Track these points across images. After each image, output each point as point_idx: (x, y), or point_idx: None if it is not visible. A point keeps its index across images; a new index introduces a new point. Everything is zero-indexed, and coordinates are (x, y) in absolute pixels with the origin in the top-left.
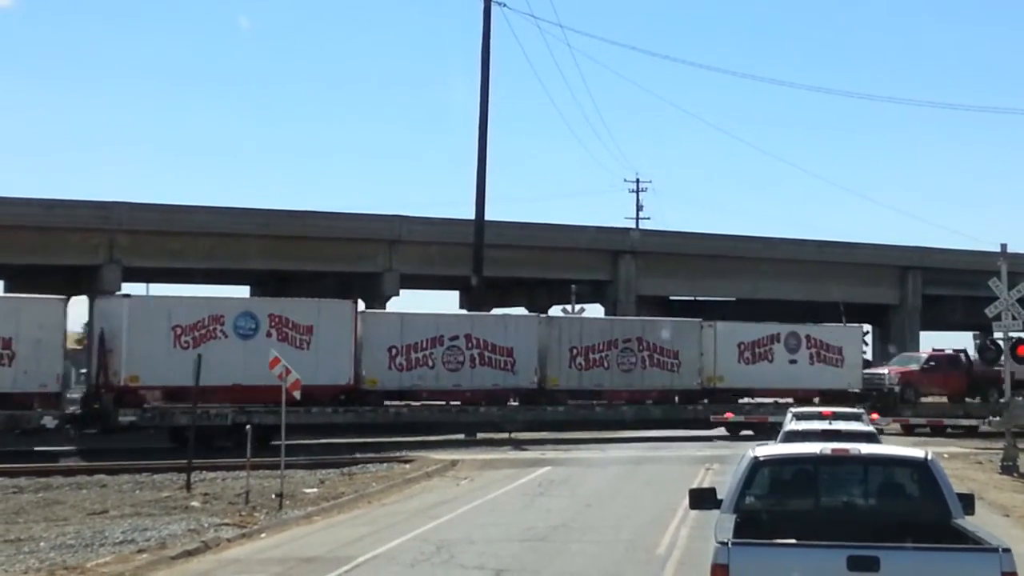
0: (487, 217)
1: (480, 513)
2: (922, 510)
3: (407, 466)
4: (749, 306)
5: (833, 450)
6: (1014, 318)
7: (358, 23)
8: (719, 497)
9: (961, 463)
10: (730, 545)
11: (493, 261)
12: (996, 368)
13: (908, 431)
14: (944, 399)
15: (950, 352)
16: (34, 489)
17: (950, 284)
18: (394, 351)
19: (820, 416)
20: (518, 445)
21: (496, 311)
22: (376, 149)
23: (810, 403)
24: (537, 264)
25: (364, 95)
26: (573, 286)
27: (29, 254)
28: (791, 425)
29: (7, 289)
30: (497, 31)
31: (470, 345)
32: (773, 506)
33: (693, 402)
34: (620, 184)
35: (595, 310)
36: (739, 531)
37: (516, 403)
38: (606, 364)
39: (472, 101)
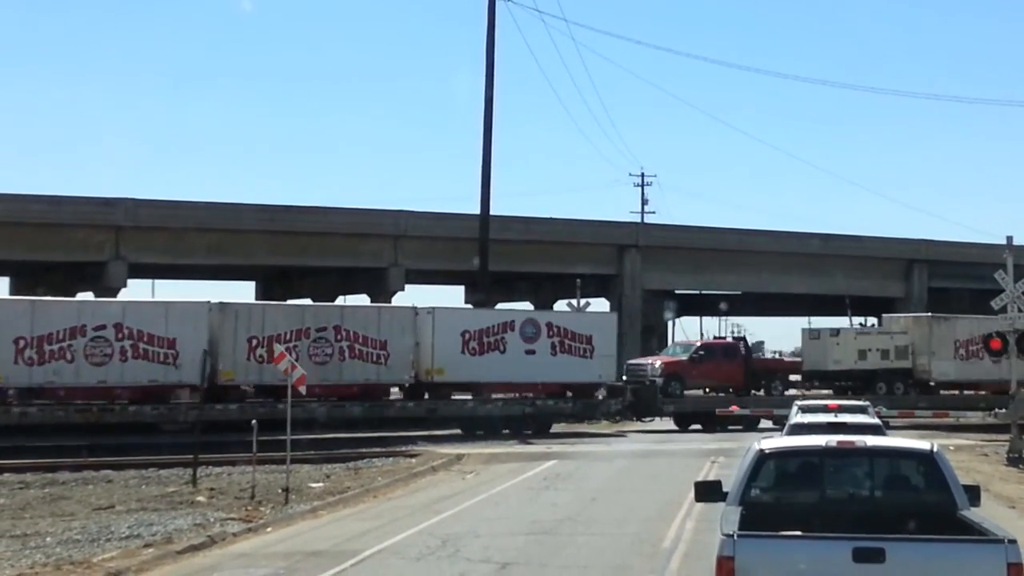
0: (492, 211)
1: (486, 507)
2: (928, 502)
3: (413, 460)
4: (755, 299)
5: (839, 442)
6: (1020, 310)
7: (362, 18)
8: (724, 490)
9: (967, 455)
10: (736, 537)
11: (498, 255)
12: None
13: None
14: (719, 392)
15: (725, 340)
16: (40, 484)
17: (956, 277)
18: (22, 343)
19: (826, 409)
20: (524, 439)
21: (158, 299)
22: (381, 143)
23: (563, 397)
24: (542, 258)
25: (369, 89)
26: (578, 280)
27: (35, 250)
28: (796, 418)
29: (11, 286)
30: (502, 25)
31: (120, 336)
32: (779, 498)
33: (416, 397)
34: (625, 178)
35: (601, 304)
36: (745, 523)
37: (180, 401)
38: (296, 355)
39: (477, 95)
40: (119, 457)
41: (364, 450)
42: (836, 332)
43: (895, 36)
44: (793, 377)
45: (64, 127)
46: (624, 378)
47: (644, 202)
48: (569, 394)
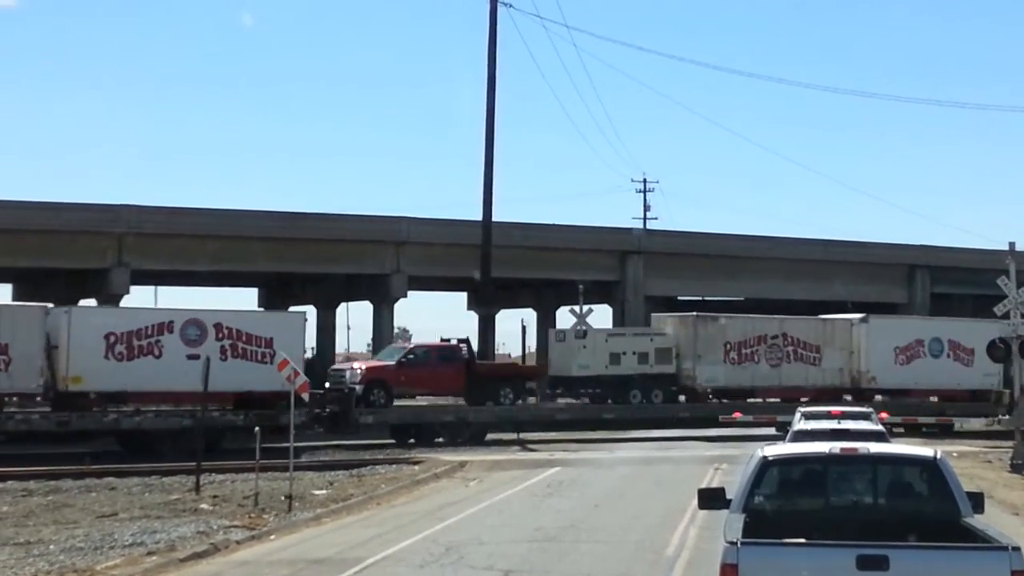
0: (494, 218)
1: (489, 514)
2: (931, 509)
3: (416, 467)
4: (757, 305)
5: (842, 449)
6: (1023, 316)
7: (364, 24)
8: (728, 497)
9: (970, 462)
10: (739, 545)
11: (500, 262)
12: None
13: (916, 430)
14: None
15: (443, 343)
16: (43, 492)
17: (958, 282)
18: None
19: (829, 415)
20: (526, 446)
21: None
22: (383, 151)
23: (240, 408)
24: (545, 265)
25: (370, 96)
26: (580, 286)
27: (37, 257)
28: (800, 425)
29: (14, 293)
30: (503, 32)
31: None
32: (782, 506)
33: (63, 409)
34: (627, 184)
35: (603, 311)
36: (748, 531)
37: (13, 409)
38: None
39: (479, 102)
40: (122, 464)
41: (367, 457)
42: (583, 333)
43: (897, 42)
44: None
45: (67, 135)
46: (327, 385)
47: (646, 208)
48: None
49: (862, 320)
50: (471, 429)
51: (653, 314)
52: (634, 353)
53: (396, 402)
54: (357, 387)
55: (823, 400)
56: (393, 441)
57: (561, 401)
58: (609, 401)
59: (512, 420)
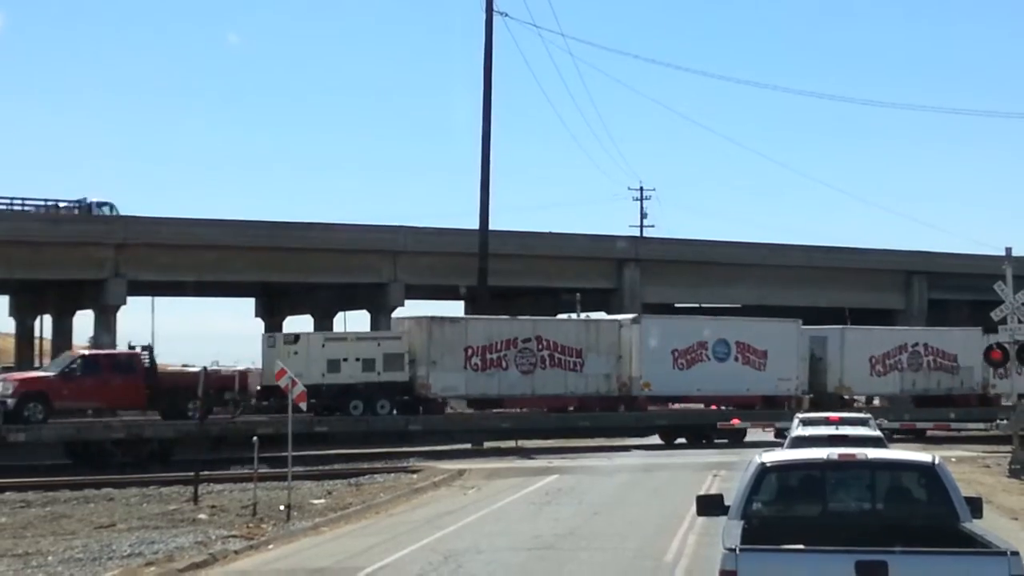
0: (491, 227)
1: (487, 522)
2: (930, 514)
3: (414, 476)
4: (755, 313)
5: (840, 455)
6: (1020, 321)
7: (360, 34)
8: (727, 503)
9: (969, 467)
10: (738, 551)
11: (497, 271)
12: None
13: (919, 436)
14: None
15: (117, 351)
16: (42, 503)
17: (955, 288)
18: None
19: (827, 421)
20: (525, 454)
21: None
22: (379, 160)
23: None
24: (541, 273)
25: (367, 106)
26: (577, 294)
27: (34, 268)
28: (798, 431)
29: (11, 304)
30: (499, 41)
31: None
32: (781, 512)
33: None
34: (624, 192)
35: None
36: (747, 537)
37: None
38: None
39: (475, 111)
40: (120, 475)
41: (366, 466)
42: (294, 338)
43: (893, 49)
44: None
45: (62, 146)
46: None
47: (643, 216)
48: None
49: (633, 321)
50: (151, 446)
51: (393, 316)
52: (357, 359)
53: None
54: (9, 401)
55: (586, 410)
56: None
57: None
58: (325, 413)
59: (206, 436)
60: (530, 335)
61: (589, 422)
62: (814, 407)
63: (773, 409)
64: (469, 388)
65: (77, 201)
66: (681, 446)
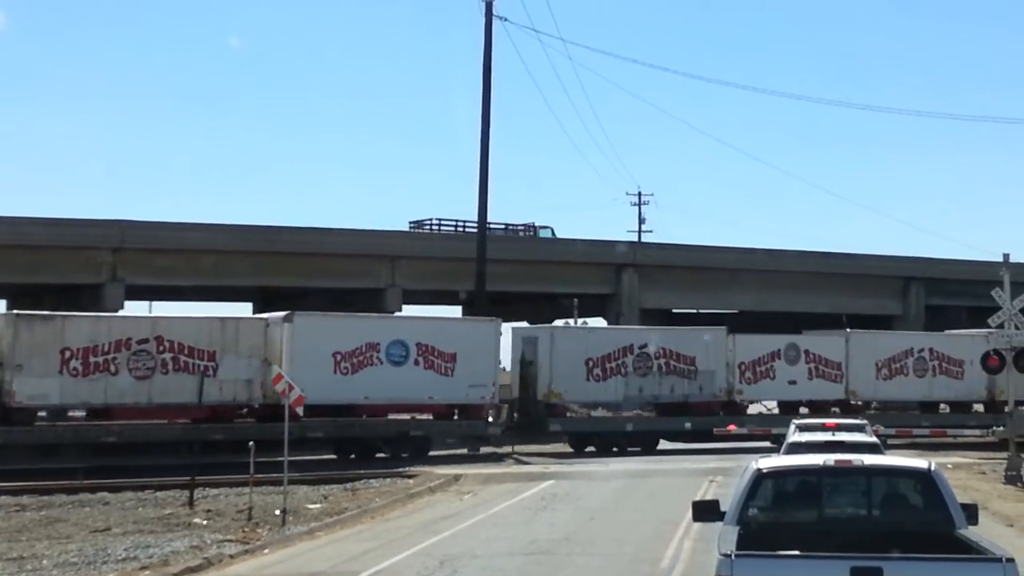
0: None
1: (483, 527)
2: (925, 521)
3: (410, 481)
4: (753, 318)
5: (836, 461)
6: (1017, 328)
7: (359, 37)
8: (722, 509)
9: (965, 473)
10: (733, 557)
11: (495, 276)
12: None
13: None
14: None
15: None
16: (37, 507)
17: (953, 294)
18: None
19: (823, 427)
20: (521, 459)
21: None
22: (377, 164)
23: None
24: (539, 278)
25: (365, 111)
26: (575, 299)
27: (31, 273)
28: (794, 437)
29: (8, 307)
30: (498, 45)
31: None
32: (776, 518)
33: None
34: (622, 197)
35: (598, 324)
36: (742, 543)
37: None
38: None
39: (474, 115)
40: (115, 479)
41: (362, 471)
42: None
43: (890, 54)
44: None
45: (60, 150)
46: None
47: (641, 221)
48: None
49: (285, 319)
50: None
51: None
52: None
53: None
54: None
55: (222, 421)
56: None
57: None
58: None
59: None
60: (148, 335)
61: (222, 434)
62: (523, 416)
63: (469, 420)
64: (65, 396)
65: (524, 225)
66: (670, 451)
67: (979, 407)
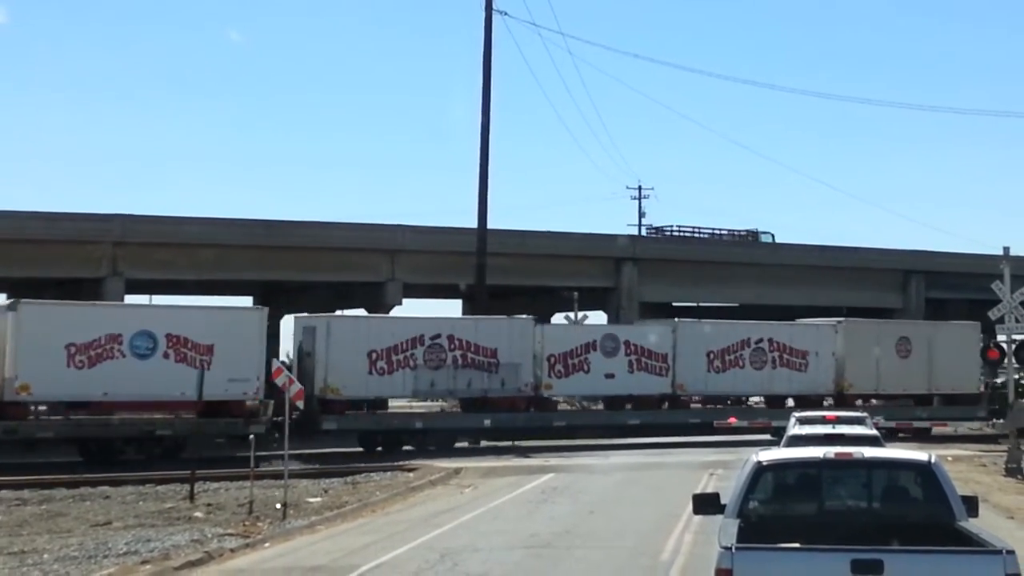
0: (489, 225)
1: (484, 521)
2: (926, 513)
3: (411, 474)
4: (752, 311)
5: (836, 454)
6: (1017, 321)
7: (359, 32)
8: (723, 502)
9: (965, 465)
10: (734, 550)
11: (495, 269)
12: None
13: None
14: None
15: None
16: (37, 501)
17: (953, 287)
18: None
19: (824, 420)
20: (522, 452)
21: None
22: (377, 158)
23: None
24: (539, 272)
25: (365, 105)
26: (575, 293)
27: (31, 267)
28: (794, 429)
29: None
30: (498, 39)
31: None
32: (777, 510)
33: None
34: (623, 191)
35: (598, 317)
36: (743, 536)
37: None
38: None
39: (474, 109)
40: (116, 473)
41: (362, 464)
42: None
43: (890, 48)
44: None
45: (60, 144)
46: None
47: (641, 215)
48: None
49: (9, 307)
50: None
51: None
52: None
53: None
54: None
55: None
56: None
57: None
58: None
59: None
60: None
61: None
62: (302, 413)
63: (226, 418)
64: None
65: (746, 231)
66: (666, 445)
67: (829, 402)
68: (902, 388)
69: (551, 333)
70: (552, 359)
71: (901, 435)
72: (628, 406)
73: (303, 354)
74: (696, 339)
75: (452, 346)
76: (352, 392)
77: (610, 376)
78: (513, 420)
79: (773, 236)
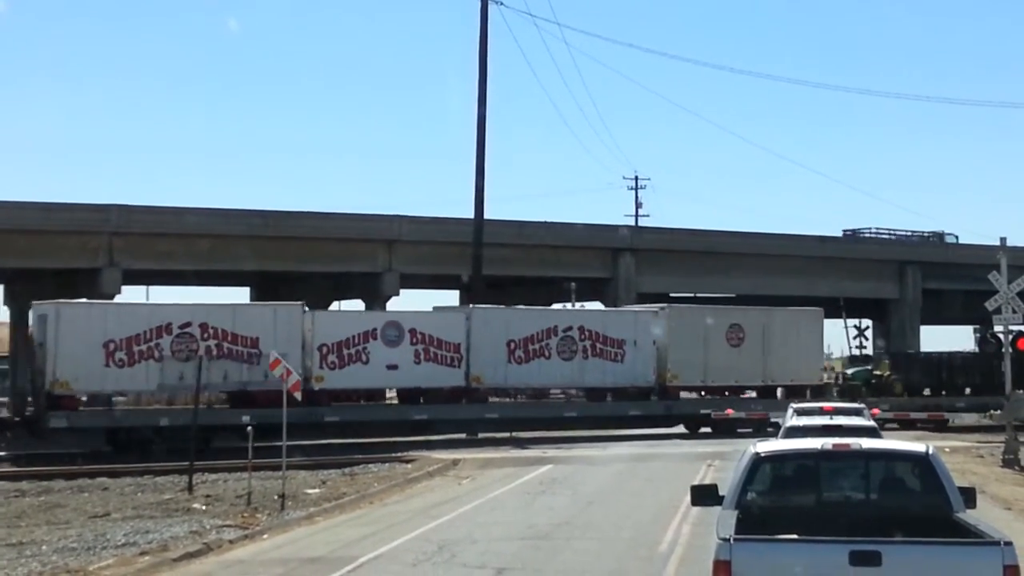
0: (486, 216)
1: (481, 512)
2: (923, 504)
3: (408, 466)
4: (750, 302)
5: (834, 445)
6: (1014, 311)
7: (355, 23)
8: (721, 493)
9: (962, 457)
10: (732, 541)
11: (492, 260)
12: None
13: (909, 426)
14: None
15: None
16: (36, 492)
17: (950, 278)
18: None
19: (821, 411)
20: (519, 444)
21: None
22: (373, 149)
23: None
24: (536, 262)
25: (361, 95)
26: (572, 284)
27: (28, 257)
28: (792, 421)
29: (5, 293)
30: (494, 29)
31: None
32: (775, 502)
33: None
34: (619, 182)
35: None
36: (741, 527)
37: None
38: None
39: (470, 100)
40: (115, 464)
41: (360, 456)
42: None
43: (889, 39)
44: None
45: (57, 135)
46: None
47: (638, 205)
48: None
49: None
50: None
51: None
52: None
53: None
54: None
55: None
56: None
57: None
58: None
59: None
60: None
61: None
62: (34, 411)
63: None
64: None
65: (931, 233)
66: (664, 436)
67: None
68: (733, 379)
69: (323, 321)
70: (324, 349)
71: (919, 425)
72: (422, 400)
73: (35, 345)
74: (494, 327)
75: (205, 335)
76: (85, 386)
77: (393, 367)
78: (275, 416)
79: (957, 237)
